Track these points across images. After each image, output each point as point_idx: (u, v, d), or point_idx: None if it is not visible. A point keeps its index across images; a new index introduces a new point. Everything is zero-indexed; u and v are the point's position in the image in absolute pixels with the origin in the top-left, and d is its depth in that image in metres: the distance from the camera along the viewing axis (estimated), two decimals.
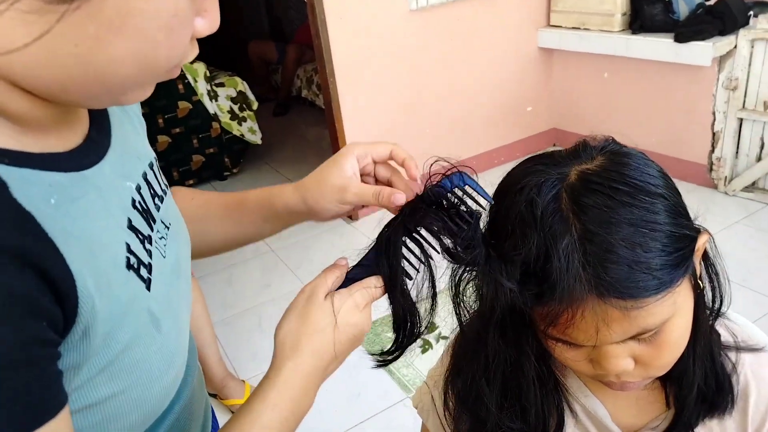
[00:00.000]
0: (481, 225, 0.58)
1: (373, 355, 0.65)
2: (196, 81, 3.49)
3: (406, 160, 0.68)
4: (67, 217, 0.42)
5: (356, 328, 0.61)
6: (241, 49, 5.36)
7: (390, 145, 0.69)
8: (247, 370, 2.19)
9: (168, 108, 3.47)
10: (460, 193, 0.60)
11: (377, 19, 2.93)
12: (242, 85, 3.78)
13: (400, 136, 3.12)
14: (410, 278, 0.61)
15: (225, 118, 3.68)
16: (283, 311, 0.64)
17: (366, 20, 2.89)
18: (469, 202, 0.60)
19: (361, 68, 2.96)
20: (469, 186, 0.60)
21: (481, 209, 0.59)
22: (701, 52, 2.69)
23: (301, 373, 0.58)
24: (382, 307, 0.64)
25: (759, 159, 2.81)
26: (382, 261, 0.61)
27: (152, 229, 0.55)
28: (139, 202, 0.54)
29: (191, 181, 3.75)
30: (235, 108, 3.75)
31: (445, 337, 2.16)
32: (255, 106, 3.86)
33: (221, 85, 3.71)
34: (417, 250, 0.61)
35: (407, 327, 0.62)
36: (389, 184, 0.69)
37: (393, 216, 0.64)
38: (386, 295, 0.62)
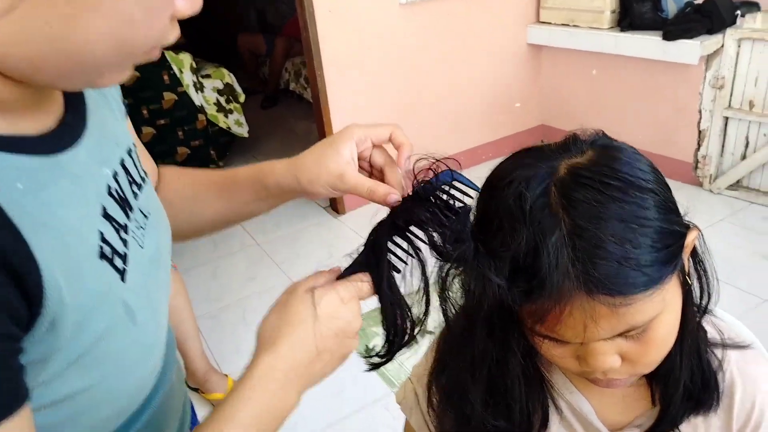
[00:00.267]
0: (470, 220, 0.57)
1: (364, 357, 0.63)
2: (182, 72, 3.45)
3: (402, 147, 0.66)
4: (36, 204, 0.41)
5: (341, 321, 0.58)
6: (230, 41, 5.31)
7: (390, 128, 0.67)
8: (230, 364, 2.17)
9: (153, 99, 3.42)
10: (449, 189, 0.59)
11: (366, 13, 2.91)
12: (229, 77, 3.74)
13: None
14: (398, 271, 0.60)
15: (211, 110, 3.64)
16: (268, 305, 0.61)
17: (355, 14, 2.87)
18: (459, 197, 0.59)
19: (350, 62, 2.94)
20: (458, 181, 0.59)
21: (470, 204, 0.58)
22: (689, 50, 2.70)
23: (277, 367, 0.55)
24: (370, 303, 0.62)
25: (744, 157, 2.83)
26: (370, 258, 0.60)
27: (129, 218, 0.53)
28: (116, 190, 0.52)
29: None
30: (222, 100, 3.71)
31: (430, 332, 2.16)
32: (242, 98, 3.83)
33: (208, 76, 3.66)
34: (406, 246, 0.59)
35: (397, 324, 0.60)
36: (383, 171, 0.67)
37: (386, 215, 0.63)
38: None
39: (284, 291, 0.61)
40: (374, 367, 0.63)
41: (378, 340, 2.09)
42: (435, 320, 0.64)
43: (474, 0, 3.18)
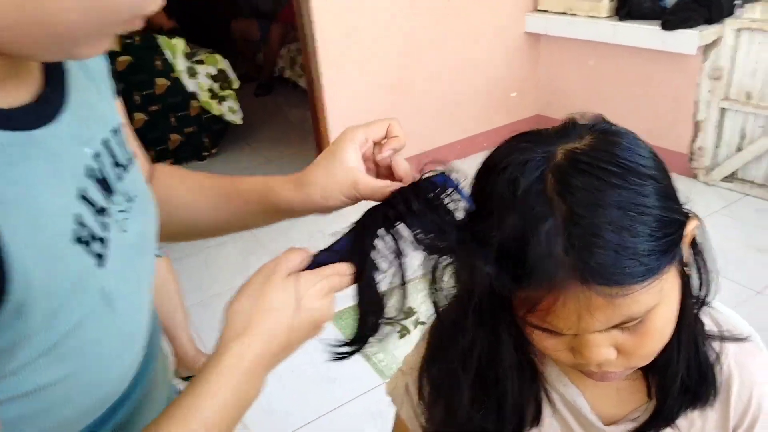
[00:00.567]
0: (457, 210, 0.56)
1: (332, 346, 0.59)
2: (174, 57, 3.41)
3: (391, 139, 0.64)
4: (4, 181, 0.38)
5: (317, 313, 0.56)
6: (224, 27, 5.25)
7: (387, 122, 0.64)
8: None
9: (145, 84, 3.37)
10: (447, 191, 0.57)
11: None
12: (223, 63, 3.69)
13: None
14: (378, 270, 0.58)
15: (204, 96, 3.60)
16: None
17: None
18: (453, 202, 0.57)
19: (345, 48, 2.91)
20: (454, 188, 0.57)
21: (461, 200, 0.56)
22: (687, 40, 2.68)
23: (246, 357, 0.52)
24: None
25: (739, 149, 2.82)
26: (355, 248, 0.58)
27: (110, 201, 0.51)
28: (97, 171, 0.50)
29: (168, 161, 3.67)
30: (215, 87, 3.67)
31: (422, 323, 2.15)
32: (236, 85, 3.78)
33: (201, 62, 3.61)
34: (392, 243, 0.57)
35: (369, 322, 0.58)
36: (389, 168, 0.65)
37: (373, 204, 0.60)
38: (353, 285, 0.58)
39: (258, 272, 0.57)
40: (340, 357, 0.60)
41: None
42: (428, 310, 0.63)
43: None
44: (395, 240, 0.57)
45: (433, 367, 0.65)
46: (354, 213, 0.62)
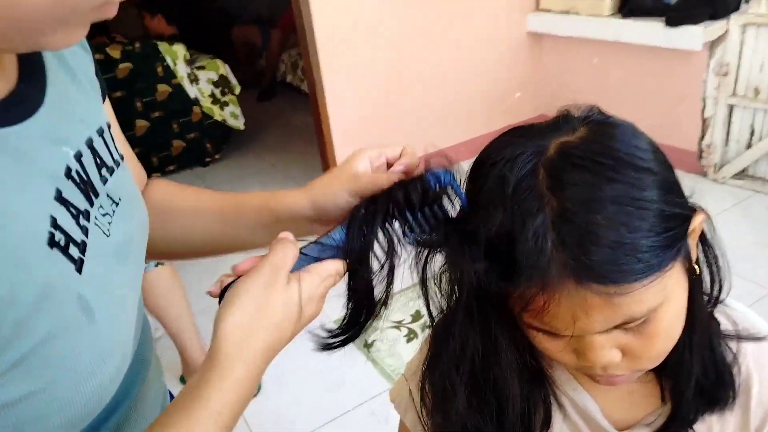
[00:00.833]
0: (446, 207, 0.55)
1: (319, 337, 0.57)
2: (175, 63, 3.40)
3: (408, 156, 0.64)
4: None
5: (314, 316, 0.54)
6: (225, 33, 5.25)
7: (402, 146, 0.65)
8: None
9: (146, 91, 3.37)
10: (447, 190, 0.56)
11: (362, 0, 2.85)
12: (224, 69, 3.69)
13: (385, 121, 3.07)
14: (371, 270, 0.56)
15: (206, 102, 3.59)
16: None
17: (350, 0, 2.82)
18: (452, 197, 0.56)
19: (346, 51, 2.89)
20: (450, 186, 0.56)
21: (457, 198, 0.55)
22: (692, 36, 2.64)
23: (251, 375, 0.49)
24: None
25: (749, 146, 2.78)
26: (353, 246, 0.55)
27: (92, 204, 0.49)
28: (77, 172, 0.47)
29: (171, 167, 3.66)
30: (217, 92, 3.66)
31: (430, 326, 2.12)
32: (237, 90, 3.78)
33: (202, 68, 3.61)
34: (385, 243, 0.56)
35: (360, 320, 0.57)
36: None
37: (369, 198, 0.58)
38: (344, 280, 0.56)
39: (255, 278, 0.52)
40: (327, 348, 0.58)
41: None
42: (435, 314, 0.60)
43: None
44: (390, 235, 0.55)
45: (435, 372, 0.63)
46: None
